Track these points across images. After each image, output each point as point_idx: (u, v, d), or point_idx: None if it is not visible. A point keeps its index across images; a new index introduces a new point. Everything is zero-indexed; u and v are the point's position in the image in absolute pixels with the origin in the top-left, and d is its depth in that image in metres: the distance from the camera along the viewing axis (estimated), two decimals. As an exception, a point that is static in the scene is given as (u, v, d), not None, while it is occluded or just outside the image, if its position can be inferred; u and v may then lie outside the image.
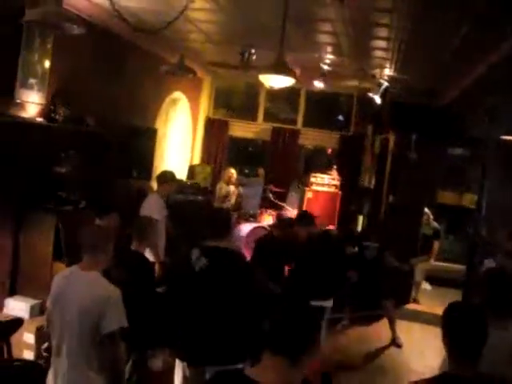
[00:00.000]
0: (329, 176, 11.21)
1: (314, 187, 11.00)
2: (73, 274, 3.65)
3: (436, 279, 11.08)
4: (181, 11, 5.56)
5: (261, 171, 11.84)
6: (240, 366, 3.81)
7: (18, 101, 6.08)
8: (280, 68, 6.15)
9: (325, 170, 11.69)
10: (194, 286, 4.18)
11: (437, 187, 12.68)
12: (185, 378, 4.34)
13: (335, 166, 11.49)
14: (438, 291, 10.92)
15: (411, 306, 9.79)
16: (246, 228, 10.05)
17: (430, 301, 10.27)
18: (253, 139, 13.61)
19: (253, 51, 8.02)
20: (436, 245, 10.42)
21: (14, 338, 4.99)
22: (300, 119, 12.14)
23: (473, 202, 11.25)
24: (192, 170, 11.76)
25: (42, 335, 5.23)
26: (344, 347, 7.90)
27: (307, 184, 11.11)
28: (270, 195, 11.14)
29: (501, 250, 6.82)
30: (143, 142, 9.03)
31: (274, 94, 11.61)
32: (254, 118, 12.41)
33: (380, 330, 8.47)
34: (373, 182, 11.48)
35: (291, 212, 11.25)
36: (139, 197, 7.31)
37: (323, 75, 9.10)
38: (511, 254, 6.64)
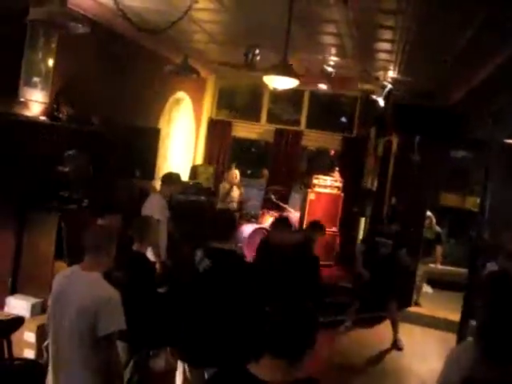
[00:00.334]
0: (331, 178, 11.19)
1: (317, 189, 10.97)
2: (74, 274, 3.64)
3: (438, 282, 11.08)
4: (185, 11, 5.57)
5: (265, 172, 11.84)
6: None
7: (22, 99, 6.08)
8: (284, 69, 6.15)
9: (327, 171, 11.67)
10: (197, 287, 4.17)
11: (440, 190, 12.68)
12: (186, 380, 4.34)
13: (338, 168, 11.47)
14: (440, 294, 10.92)
15: (413, 309, 9.78)
16: (247, 229, 10.05)
17: (432, 304, 10.27)
18: (256, 140, 13.61)
19: (257, 52, 8.01)
20: (438, 249, 10.41)
21: (14, 337, 4.99)
22: (303, 120, 12.12)
23: (476, 204, 11.24)
24: (194, 170, 11.75)
25: (42, 334, 5.22)
26: (345, 349, 7.90)
27: (310, 185, 11.10)
28: (272, 196, 11.13)
29: (503, 253, 6.80)
30: (146, 141, 9.01)
31: (277, 95, 11.61)
32: (257, 119, 12.39)
33: (382, 333, 8.47)
34: (375, 184, 11.47)
35: (293, 213, 11.25)
36: (141, 197, 7.31)
37: (328, 76, 9.07)
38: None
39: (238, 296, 4.06)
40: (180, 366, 4.33)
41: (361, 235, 11.67)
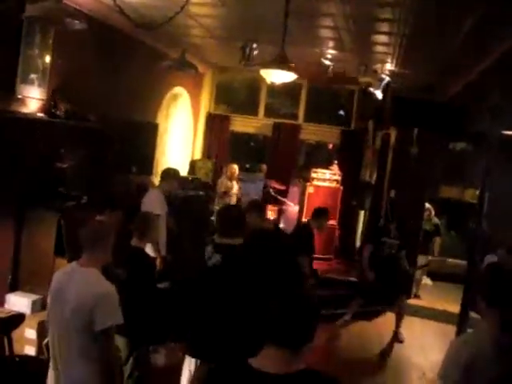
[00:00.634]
0: (330, 171, 11.20)
1: (315, 182, 10.99)
2: (72, 271, 3.65)
3: (437, 274, 11.10)
4: (182, 6, 5.53)
5: (263, 167, 11.84)
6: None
7: (19, 96, 6.07)
8: (281, 63, 6.14)
9: (326, 165, 11.68)
10: (208, 283, 4.16)
11: (438, 182, 12.69)
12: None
13: (336, 161, 11.48)
14: (439, 286, 10.95)
15: (412, 301, 9.80)
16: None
17: (431, 296, 10.30)
18: (254, 134, 13.60)
19: (254, 46, 8.00)
20: (437, 241, 10.44)
21: (15, 334, 5.00)
22: (301, 114, 12.12)
23: (474, 196, 11.25)
24: (193, 165, 11.76)
25: (43, 331, 5.23)
26: (345, 342, 7.92)
27: (308, 179, 11.10)
28: (271, 190, 11.14)
29: (502, 245, 6.82)
30: (144, 137, 9.00)
31: (275, 89, 11.58)
32: (255, 113, 12.39)
33: (381, 326, 8.49)
34: (374, 177, 11.48)
35: (292, 207, 11.26)
36: (140, 192, 7.31)
37: (326, 70, 9.05)
38: (512, 249, 6.64)
39: (248, 291, 4.05)
40: (187, 361, 4.32)
41: (360, 228, 11.70)
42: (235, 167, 10.63)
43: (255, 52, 8.06)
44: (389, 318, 8.36)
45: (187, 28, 8.37)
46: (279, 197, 11.17)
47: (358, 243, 11.73)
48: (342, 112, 13.26)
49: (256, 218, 6.09)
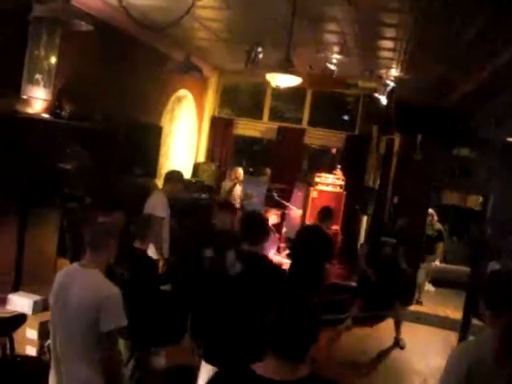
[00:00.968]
0: (334, 176, 11.19)
1: (319, 187, 10.99)
2: (74, 271, 3.64)
3: (439, 281, 11.08)
4: (187, 9, 5.56)
5: (267, 171, 11.84)
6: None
7: (25, 96, 6.09)
8: (287, 67, 6.15)
9: (330, 169, 11.67)
10: (229, 291, 4.14)
11: (442, 188, 12.67)
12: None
13: (340, 166, 11.47)
14: (442, 293, 10.92)
15: (414, 308, 9.78)
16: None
17: (433, 302, 10.27)
18: (258, 138, 13.60)
19: (260, 50, 8.01)
20: (440, 247, 10.42)
21: (17, 334, 5.00)
22: (305, 118, 12.11)
23: (478, 203, 11.25)
24: (197, 167, 11.76)
25: (45, 331, 5.23)
26: (347, 347, 7.90)
27: (312, 183, 11.10)
28: (275, 194, 11.14)
29: (506, 252, 6.81)
30: (148, 139, 9.02)
31: (279, 93, 11.58)
32: (259, 117, 12.38)
33: (383, 331, 8.47)
34: (377, 182, 11.47)
35: (295, 211, 11.25)
36: (144, 194, 7.31)
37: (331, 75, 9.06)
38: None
39: (270, 299, 4.05)
40: (204, 366, 4.31)
41: (363, 233, 11.67)
42: (240, 171, 10.64)
43: (260, 56, 8.06)
44: (390, 323, 8.33)
45: (193, 31, 8.39)
46: (282, 201, 11.16)
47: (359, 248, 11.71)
48: (346, 117, 13.24)
49: (225, 219, 6.12)
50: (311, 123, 12.09)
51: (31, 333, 5.56)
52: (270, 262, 4.69)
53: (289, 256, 6.72)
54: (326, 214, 7.39)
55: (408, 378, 7.17)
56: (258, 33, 7.78)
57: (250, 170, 14.23)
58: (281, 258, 10.15)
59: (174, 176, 7.13)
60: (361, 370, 7.12)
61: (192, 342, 4.45)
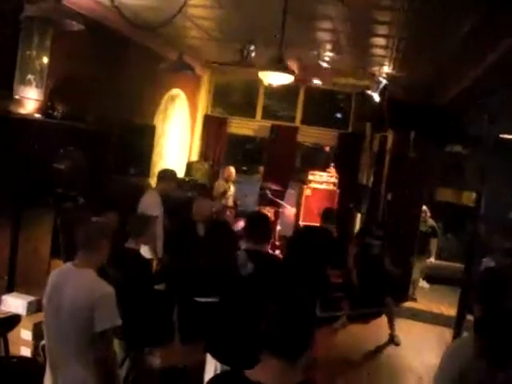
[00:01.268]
0: (327, 174, 11.21)
1: (313, 185, 11.00)
2: (67, 271, 3.63)
3: (434, 277, 11.10)
4: (180, 8, 5.54)
5: (260, 169, 11.84)
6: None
7: (17, 97, 6.05)
8: (279, 65, 6.14)
9: (323, 167, 11.68)
10: (241, 291, 4.13)
11: (435, 185, 12.69)
12: None
13: (333, 164, 11.48)
14: (436, 290, 10.95)
15: (409, 304, 9.80)
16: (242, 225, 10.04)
17: (428, 299, 10.30)
18: (251, 136, 13.59)
19: (252, 48, 8.00)
20: (434, 243, 10.44)
21: (11, 335, 4.98)
22: (299, 116, 12.12)
23: (471, 199, 11.27)
24: (190, 166, 11.75)
25: (39, 332, 5.21)
26: (342, 345, 7.90)
27: (305, 182, 11.11)
28: (268, 192, 11.14)
29: (499, 249, 6.83)
30: (142, 138, 9.00)
31: (272, 92, 11.59)
32: (252, 116, 12.38)
33: (377, 328, 8.49)
34: (371, 179, 11.48)
35: (289, 209, 11.25)
36: (137, 194, 7.30)
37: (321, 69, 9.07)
38: (509, 253, 6.65)
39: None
40: (211, 362, 4.31)
41: (357, 231, 11.69)
42: (232, 170, 10.63)
43: (253, 54, 8.06)
44: (385, 320, 8.34)
45: (185, 30, 8.38)
46: (276, 199, 11.16)
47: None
48: (339, 115, 13.26)
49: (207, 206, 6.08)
50: (304, 121, 12.10)
51: (25, 333, 5.55)
52: (279, 260, 4.72)
53: (286, 254, 6.70)
54: (328, 214, 7.33)
55: (403, 375, 7.18)
56: (250, 31, 7.77)
57: (244, 168, 14.23)
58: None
59: (166, 175, 7.13)
60: (355, 367, 7.13)
61: (181, 345, 4.46)
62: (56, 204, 6.18)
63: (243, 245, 4.51)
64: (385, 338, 8.06)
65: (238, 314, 4.10)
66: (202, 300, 5.30)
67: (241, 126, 12.58)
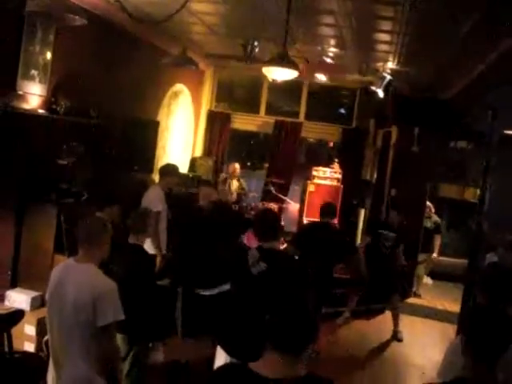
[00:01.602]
0: (331, 169, 11.19)
1: (316, 180, 10.99)
2: (69, 267, 3.64)
3: (438, 274, 11.09)
4: (183, 3, 5.53)
5: (265, 165, 11.84)
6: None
7: (20, 92, 6.06)
8: (283, 61, 6.13)
9: (327, 163, 11.67)
10: (253, 289, 4.13)
11: (439, 181, 12.67)
12: None
13: (337, 160, 11.47)
14: (439, 285, 10.94)
15: (412, 300, 9.81)
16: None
17: (432, 295, 10.30)
18: (255, 132, 13.57)
19: (256, 43, 7.99)
20: (437, 239, 10.43)
21: (15, 330, 4.99)
22: (302, 112, 12.10)
23: (475, 195, 11.24)
24: (194, 162, 11.75)
25: (43, 327, 5.23)
26: (345, 340, 7.91)
27: (309, 177, 11.10)
28: (272, 188, 11.14)
29: (503, 244, 6.81)
30: (145, 134, 9.01)
31: (276, 87, 11.56)
32: (256, 111, 12.36)
33: (381, 324, 8.49)
34: (375, 175, 11.47)
35: (293, 205, 11.25)
36: (141, 189, 7.30)
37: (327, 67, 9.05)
38: (513, 248, 6.63)
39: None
40: (220, 354, 4.32)
41: (361, 227, 11.67)
42: (237, 166, 10.65)
43: (257, 49, 8.05)
44: (388, 316, 8.35)
45: (188, 25, 8.37)
46: (280, 195, 11.16)
47: (358, 242, 11.71)
48: (343, 110, 13.21)
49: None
50: (308, 117, 12.08)
51: (29, 329, 5.57)
52: (293, 258, 4.72)
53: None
54: (326, 209, 7.28)
55: (406, 371, 7.18)
56: (253, 26, 7.76)
57: (248, 164, 14.22)
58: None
59: (169, 170, 7.13)
60: (359, 362, 7.13)
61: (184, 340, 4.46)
62: (59, 199, 6.19)
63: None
64: (388, 334, 8.06)
65: (250, 309, 4.10)
66: (207, 293, 5.31)
67: (244, 122, 12.56)
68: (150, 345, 5.44)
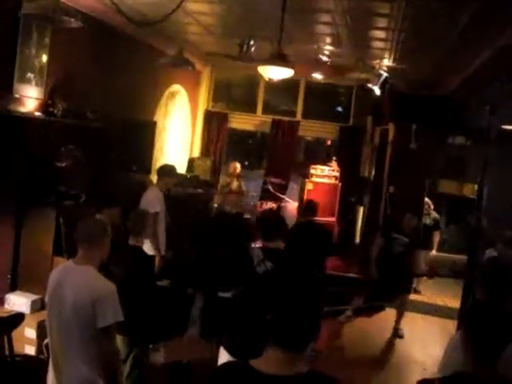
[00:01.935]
0: (329, 167, 11.20)
1: (314, 179, 11.01)
2: (68, 269, 3.64)
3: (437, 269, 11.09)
4: (179, 3, 5.52)
5: (263, 165, 11.85)
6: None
7: (17, 95, 6.04)
8: (279, 59, 6.13)
9: (325, 161, 11.67)
10: (259, 290, 4.13)
11: (437, 177, 12.68)
12: None
13: (335, 158, 11.47)
14: (439, 281, 10.93)
15: (413, 297, 9.79)
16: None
17: (432, 291, 10.30)
18: (252, 131, 13.58)
19: (252, 43, 7.98)
20: (437, 236, 10.43)
21: (15, 333, 4.99)
22: (299, 111, 12.10)
23: (473, 191, 11.24)
24: (191, 162, 11.74)
25: (43, 330, 5.22)
26: (347, 338, 7.92)
27: (307, 176, 11.10)
28: (270, 187, 11.14)
29: (501, 240, 6.82)
30: (142, 135, 8.99)
31: (273, 86, 11.56)
32: (253, 111, 12.36)
33: (381, 322, 8.49)
34: (373, 172, 11.47)
35: (291, 204, 11.25)
36: (139, 190, 7.30)
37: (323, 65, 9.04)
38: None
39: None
40: (223, 354, 4.32)
41: (359, 225, 11.69)
42: (237, 165, 10.67)
43: (253, 49, 8.03)
44: (389, 313, 8.36)
45: (184, 25, 8.36)
46: (278, 193, 11.16)
47: (357, 239, 11.72)
48: (340, 108, 13.22)
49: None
50: (305, 115, 12.08)
51: (30, 332, 5.57)
52: (297, 257, 4.72)
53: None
54: (308, 207, 7.34)
55: (407, 367, 7.18)
56: (249, 26, 7.75)
57: (245, 163, 14.22)
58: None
59: (166, 170, 7.13)
60: (360, 360, 7.13)
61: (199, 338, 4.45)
62: (58, 202, 6.19)
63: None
64: (389, 331, 8.06)
65: (255, 309, 4.10)
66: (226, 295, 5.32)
67: (242, 121, 12.56)
68: (151, 346, 5.44)
